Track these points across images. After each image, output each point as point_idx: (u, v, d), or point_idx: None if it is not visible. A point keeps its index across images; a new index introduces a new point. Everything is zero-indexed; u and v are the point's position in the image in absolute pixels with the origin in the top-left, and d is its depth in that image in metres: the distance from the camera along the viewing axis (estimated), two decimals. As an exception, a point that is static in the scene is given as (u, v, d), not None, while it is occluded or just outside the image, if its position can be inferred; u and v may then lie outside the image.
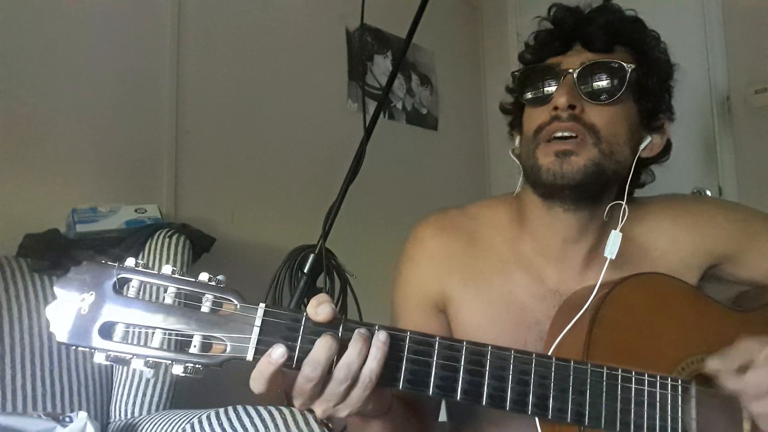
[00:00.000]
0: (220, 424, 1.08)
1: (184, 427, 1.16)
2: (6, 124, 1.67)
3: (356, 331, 0.63)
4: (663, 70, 0.88)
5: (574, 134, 0.81)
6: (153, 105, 2.00)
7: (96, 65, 1.87)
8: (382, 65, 2.76)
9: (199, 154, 2.10)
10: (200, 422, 1.12)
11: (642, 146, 0.87)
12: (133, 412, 1.46)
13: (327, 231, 1.32)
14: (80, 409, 1.37)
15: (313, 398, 0.63)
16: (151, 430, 1.29)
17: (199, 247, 1.73)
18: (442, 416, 0.99)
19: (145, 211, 1.73)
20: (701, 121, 2.62)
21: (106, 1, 1.91)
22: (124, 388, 1.47)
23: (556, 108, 0.82)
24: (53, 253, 1.51)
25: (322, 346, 0.61)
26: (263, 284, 1.63)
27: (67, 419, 1.17)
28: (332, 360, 0.61)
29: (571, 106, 0.81)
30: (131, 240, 1.61)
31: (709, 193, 2.54)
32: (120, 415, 1.46)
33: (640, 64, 0.85)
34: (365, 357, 0.62)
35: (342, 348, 0.62)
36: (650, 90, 0.86)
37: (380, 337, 0.63)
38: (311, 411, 0.65)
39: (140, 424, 1.36)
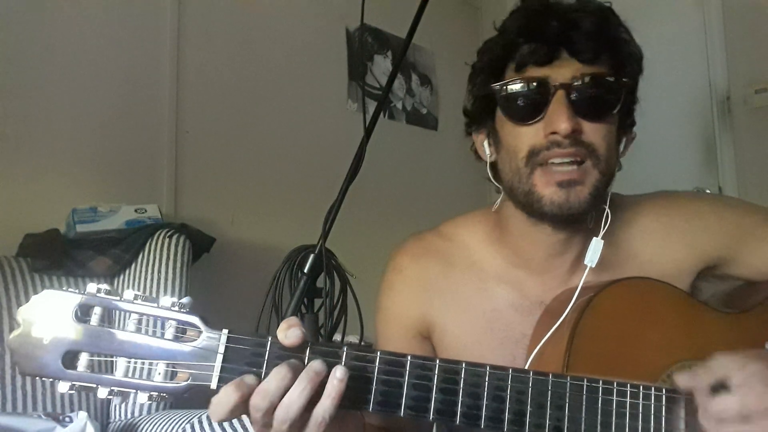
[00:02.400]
0: (220, 424, 1.08)
1: (184, 427, 1.16)
2: (6, 124, 1.67)
3: (308, 367, 0.58)
4: (636, 60, 0.82)
5: (575, 159, 0.76)
6: (153, 105, 2.00)
7: (96, 65, 1.87)
8: (382, 65, 2.76)
9: (199, 154, 2.10)
10: (200, 422, 1.12)
11: (621, 148, 0.84)
12: (133, 412, 1.46)
13: (327, 231, 1.31)
14: (80, 409, 1.37)
15: (267, 427, 0.59)
16: (151, 430, 1.29)
17: (199, 247, 1.74)
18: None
19: (145, 211, 1.73)
20: (701, 121, 2.62)
21: (106, 2, 1.91)
22: (124, 388, 1.47)
23: (554, 132, 0.75)
24: (53, 253, 1.51)
25: (274, 376, 0.57)
26: (263, 284, 1.63)
27: (67, 419, 1.17)
28: (284, 391, 0.57)
29: (574, 129, 0.75)
30: (131, 240, 1.61)
31: (708, 192, 2.54)
32: (120, 415, 1.46)
33: (621, 63, 0.80)
34: (308, 398, 0.57)
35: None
36: (631, 91, 0.82)
37: (337, 375, 0.58)
38: None
39: (140, 424, 1.36)
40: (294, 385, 0.57)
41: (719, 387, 0.65)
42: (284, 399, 0.57)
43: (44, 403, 1.33)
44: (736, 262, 0.89)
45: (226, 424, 1.07)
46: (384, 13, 2.56)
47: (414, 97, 2.91)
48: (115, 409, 1.47)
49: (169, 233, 1.61)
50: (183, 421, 1.19)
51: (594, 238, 0.81)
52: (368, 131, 1.35)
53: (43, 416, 1.17)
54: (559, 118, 0.75)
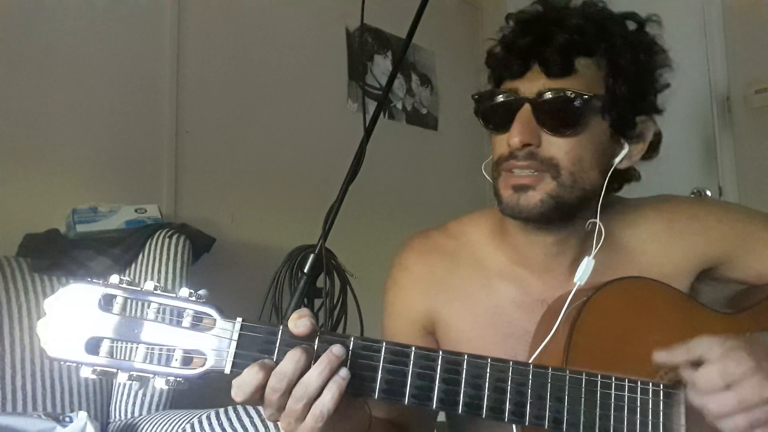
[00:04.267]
0: (220, 424, 1.08)
1: (184, 427, 1.16)
2: (6, 125, 1.67)
3: (329, 350, 0.62)
4: (637, 70, 0.82)
5: (532, 171, 0.79)
6: (153, 105, 2.00)
7: (96, 65, 1.87)
8: (382, 65, 2.76)
9: (199, 154, 2.10)
10: (200, 422, 1.12)
11: (617, 159, 0.83)
12: (133, 412, 1.46)
13: (327, 231, 1.32)
14: (80, 409, 1.37)
15: (280, 410, 0.62)
16: (151, 430, 1.29)
17: (199, 247, 1.74)
18: (442, 416, 0.99)
19: (145, 211, 1.73)
20: (701, 121, 2.62)
21: (106, 2, 1.91)
22: (124, 388, 1.47)
23: (511, 146, 0.79)
24: (53, 253, 1.51)
25: (290, 359, 0.61)
26: (263, 284, 1.63)
27: (67, 419, 1.17)
28: (299, 373, 0.61)
29: (528, 144, 0.78)
30: (131, 240, 1.61)
31: (709, 193, 2.54)
32: (120, 415, 1.46)
33: (608, 73, 0.80)
34: (326, 378, 0.61)
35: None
36: (621, 101, 0.81)
37: (341, 374, 0.62)
38: None
39: (140, 424, 1.36)
40: (314, 366, 0.61)
41: (699, 362, 0.68)
42: (303, 378, 0.61)
43: (44, 403, 1.33)
44: (734, 264, 0.90)
45: (226, 425, 1.07)
46: (384, 13, 2.56)
47: (414, 97, 2.91)
48: (115, 409, 1.47)
49: (169, 233, 1.61)
50: (183, 421, 1.19)
51: (586, 257, 0.82)
52: (368, 131, 1.35)
53: (43, 416, 1.17)
54: (512, 132, 0.79)
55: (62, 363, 0.60)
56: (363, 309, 1.74)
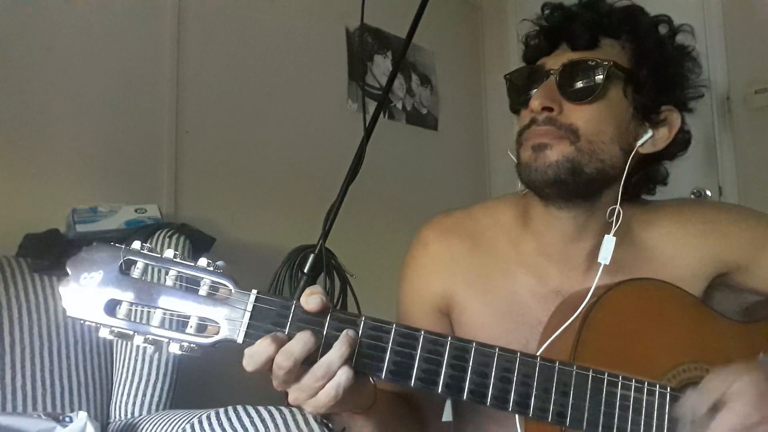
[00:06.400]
0: (220, 424, 1.08)
1: (184, 427, 1.16)
2: (6, 124, 1.67)
3: (345, 332, 0.64)
4: (662, 59, 0.84)
5: (553, 135, 0.81)
6: (153, 105, 2.00)
7: (96, 65, 1.87)
8: (382, 65, 2.76)
9: (199, 154, 2.10)
10: (200, 422, 1.12)
11: (640, 142, 0.84)
12: (133, 412, 1.46)
13: (327, 231, 1.32)
14: (80, 409, 1.37)
15: (287, 383, 0.64)
16: (151, 430, 1.29)
17: (199, 247, 1.73)
18: (447, 416, 0.99)
19: (145, 211, 1.73)
20: (701, 121, 2.62)
21: (106, 2, 1.91)
22: (124, 388, 1.47)
23: (533, 111, 0.82)
24: (53, 253, 1.51)
25: (299, 340, 0.62)
26: (263, 284, 1.62)
27: (67, 419, 1.17)
28: (306, 354, 0.62)
29: (548, 109, 0.80)
30: (131, 240, 1.61)
31: (709, 193, 2.54)
32: (120, 415, 1.46)
33: (632, 55, 0.83)
34: (346, 359, 0.63)
35: (327, 343, 0.64)
36: (643, 82, 0.83)
37: (350, 333, 0.64)
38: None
39: (140, 424, 1.36)
40: (335, 346, 0.63)
41: (716, 408, 0.67)
42: (324, 358, 0.63)
43: (44, 403, 1.33)
44: (750, 272, 0.89)
45: (226, 425, 1.07)
46: (384, 13, 2.56)
47: (414, 97, 2.91)
48: (115, 409, 1.47)
49: (169, 233, 1.61)
50: (183, 421, 1.19)
51: (606, 235, 0.82)
52: (368, 131, 1.35)
53: (43, 416, 1.17)
54: (534, 98, 0.82)
55: (82, 322, 0.61)
56: (363, 309, 1.74)
